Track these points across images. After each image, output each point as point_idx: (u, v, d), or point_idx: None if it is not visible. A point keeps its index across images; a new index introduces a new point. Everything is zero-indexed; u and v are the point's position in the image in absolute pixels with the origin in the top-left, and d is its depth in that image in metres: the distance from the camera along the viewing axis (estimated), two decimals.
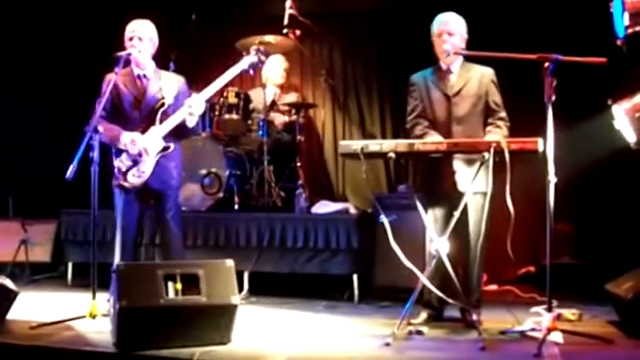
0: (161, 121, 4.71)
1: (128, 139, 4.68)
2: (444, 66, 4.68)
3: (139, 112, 4.79)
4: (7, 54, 7.29)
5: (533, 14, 6.35)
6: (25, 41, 7.37)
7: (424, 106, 4.69)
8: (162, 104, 4.75)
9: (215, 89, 4.91)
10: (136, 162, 4.69)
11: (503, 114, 4.60)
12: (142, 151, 4.67)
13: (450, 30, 4.58)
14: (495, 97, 4.62)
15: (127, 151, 4.70)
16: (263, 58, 5.00)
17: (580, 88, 5.73)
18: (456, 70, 4.67)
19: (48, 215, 6.81)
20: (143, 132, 4.72)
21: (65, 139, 5.22)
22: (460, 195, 4.33)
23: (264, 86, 6.84)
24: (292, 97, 6.92)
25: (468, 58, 4.69)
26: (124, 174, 4.70)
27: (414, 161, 5.78)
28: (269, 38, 6.53)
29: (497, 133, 4.46)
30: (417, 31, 4.96)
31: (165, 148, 4.71)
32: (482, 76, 4.64)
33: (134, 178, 4.68)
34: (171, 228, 4.85)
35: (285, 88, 7.04)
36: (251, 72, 5.10)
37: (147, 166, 4.68)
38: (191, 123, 4.74)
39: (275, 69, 6.87)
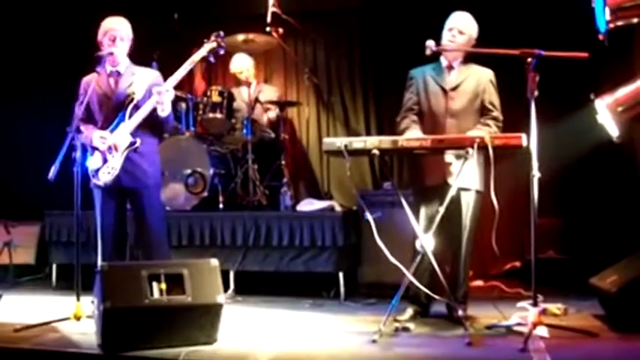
0: (130, 116, 4.66)
1: (97, 137, 4.64)
2: (444, 62, 4.70)
3: (109, 110, 4.73)
4: None
5: (516, 9, 6.37)
6: (6, 41, 7.31)
7: (419, 99, 4.71)
8: (132, 99, 4.70)
9: (179, 76, 4.77)
10: (105, 160, 4.66)
11: (495, 113, 4.60)
12: (112, 148, 4.64)
13: (461, 28, 4.61)
14: (492, 97, 4.63)
15: (98, 150, 4.66)
16: (222, 43, 4.93)
17: (563, 82, 5.75)
18: (457, 66, 4.69)
19: (31, 217, 6.76)
20: (115, 128, 4.67)
21: (48, 139, 5.18)
22: (451, 192, 4.36)
23: (248, 85, 6.82)
24: (270, 93, 6.91)
25: (469, 59, 4.70)
26: (96, 172, 4.66)
27: (402, 157, 5.79)
28: (252, 37, 6.52)
29: (482, 130, 4.46)
30: (401, 29, 4.98)
31: (132, 144, 4.64)
32: (481, 75, 4.66)
33: (105, 176, 4.63)
34: (150, 227, 4.78)
35: (258, 84, 7.04)
36: (211, 59, 4.99)
37: (116, 162, 4.62)
38: (163, 113, 4.66)
39: (236, 67, 6.90)
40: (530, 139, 4.00)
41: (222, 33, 4.96)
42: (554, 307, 4.68)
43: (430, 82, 4.69)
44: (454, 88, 4.63)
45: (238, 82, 7.06)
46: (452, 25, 4.63)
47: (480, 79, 4.64)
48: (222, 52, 4.98)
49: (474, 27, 4.65)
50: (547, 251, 6.02)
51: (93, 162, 4.69)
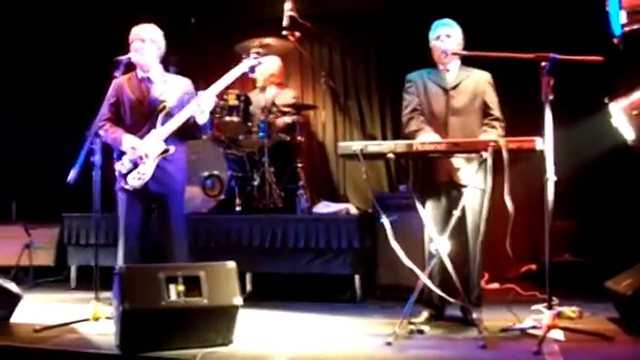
0: (163, 124, 4.71)
1: (128, 144, 4.68)
2: (441, 67, 4.74)
3: (141, 115, 4.78)
4: (9, 55, 7.31)
5: (530, 13, 6.37)
6: (28, 44, 7.40)
7: (420, 101, 4.75)
8: (164, 107, 4.75)
9: (219, 88, 4.86)
10: (136, 164, 4.69)
11: (497, 114, 4.66)
12: (142, 155, 4.69)
13: (448, 32, 4.68)
14: (492, 97, 4.69)
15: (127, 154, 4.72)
16: (262, 60, 5.01)
17: (578, 86, 5.74)
18: (454, 70, 4.73)
19: (51, 219, 6.83)
20: (145, 134, 4.72)
21: (68, 142, 5.23)
22: (457, 192, 4.37)
23: (263, 88, 6.85)
24: (287, 96, 6.92)
25: (465, 62, 4.74)
26: (125, 176, 4.70)
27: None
28: (269, 40, 6.55)
29: (492, 133, 4.51)
30: (418, 33, 4.99)
31: (165, 151, 4.71)
32: (479, 77, 4.72)
33: (134, 181, 4.68)
34: (173, 232, 4.83)
35: (278, 87, 7.03)
36: (250, 75, 5.10)
37: (147, 168, 4.67)
38: (202, 120, 4.72)
39: (266, 68, 6.89)
40: (545, 143, 4.01)
41: (261, 50, 5.09)
42: (569, 310, 4.66)
43: (429, 84, 4.74)
44: (454, 87, 4.69)
45: (254, 85, 7.07)
46: (437, 33, 4.71)
47: (477, 80, 4.70)
48: (261, 66, 5.12)
49: (457, 27, 4.72)
50: (563, 254, 6.01)
51: (122, 166, 4.73)
